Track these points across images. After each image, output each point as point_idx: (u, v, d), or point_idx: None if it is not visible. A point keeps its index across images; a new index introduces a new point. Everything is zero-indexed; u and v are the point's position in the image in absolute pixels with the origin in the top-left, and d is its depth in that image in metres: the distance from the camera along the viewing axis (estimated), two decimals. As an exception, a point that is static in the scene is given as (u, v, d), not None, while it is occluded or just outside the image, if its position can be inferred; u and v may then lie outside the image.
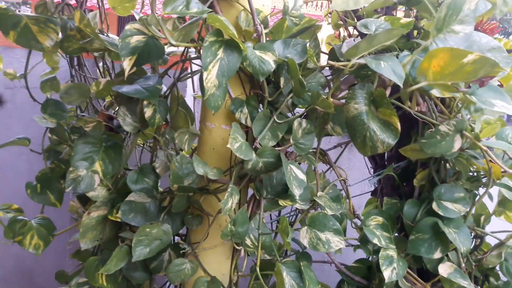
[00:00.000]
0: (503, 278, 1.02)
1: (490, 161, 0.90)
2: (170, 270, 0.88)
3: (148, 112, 0.87)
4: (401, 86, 0.75)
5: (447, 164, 0.99)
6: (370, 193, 1.20)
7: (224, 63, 0.78)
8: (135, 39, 0.85)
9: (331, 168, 1.04)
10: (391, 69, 0.76)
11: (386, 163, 1.14)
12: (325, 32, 1.29)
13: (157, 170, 0.92)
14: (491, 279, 1.04)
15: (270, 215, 1.17)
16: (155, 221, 0.89)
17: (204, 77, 0.75)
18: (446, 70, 0.71)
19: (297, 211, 1.06)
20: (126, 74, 0.84)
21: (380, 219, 0.94)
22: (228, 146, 0.77)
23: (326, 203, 0.90)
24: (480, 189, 1.01)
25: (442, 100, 0.97)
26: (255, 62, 0.82)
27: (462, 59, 0.69)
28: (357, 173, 1.46)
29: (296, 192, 0.80)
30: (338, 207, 0.95)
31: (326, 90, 0.95)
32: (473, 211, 1.07)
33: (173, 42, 0.80)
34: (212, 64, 0.76)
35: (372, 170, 1.22)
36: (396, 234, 1.04)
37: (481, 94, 0.79)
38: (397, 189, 1.09)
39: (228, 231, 0.81)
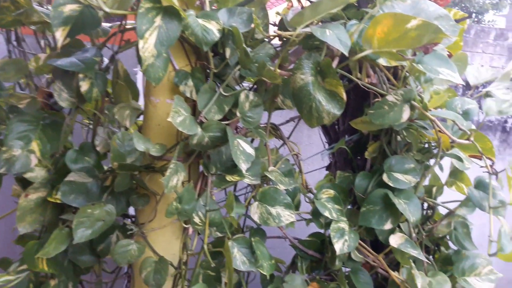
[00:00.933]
0: (454, 247, 1.04)
1: (439, 131, 0.90)
2: (115, 252, 0.85)
3: (84, 86, 0.81)
4: (346, 54, 0.73)
5: (398, 136, 0.99)
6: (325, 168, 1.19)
7: (162, 31, 0.73)
8: (69, 8, 0.79)
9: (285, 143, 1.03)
10: (337, 37, 0.73)
11: (339, 136, 1.13)
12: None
13: (98, 148, 0.87)
14: (442, 248, 1.06)
15: (225, 192, 1.15)
16: (97, 202, 0.84)
17: (140, 46, 0.71)
18: (390, 37, 0.69)
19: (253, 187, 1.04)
20: (59, 45, 0.78)
21: (331, 192, 0.94)
22: (169, 119, 0.73)
23: (277, 177, 0.88)
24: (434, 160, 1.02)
25: (395, 73, 0.96)
26: (197, 31, 0.78)
27: (405, 24, 0.67)
28: (316, 149, 1.46)
29: (243, 166, 0.77)
30: (290, 182, 0.93)
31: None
32: (427, 182, 1.09)
33: (107, 9, 0.75)
34: (149, 32, 0.71)
35: (327, 145, 1.21)
36: (350, 207, 1.04)
37: (428, 62, 0.78)
38: (350, 163, 1.08)
39: (173, 208, 0.78)
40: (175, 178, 0.77)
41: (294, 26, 0.76)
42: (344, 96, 0.75)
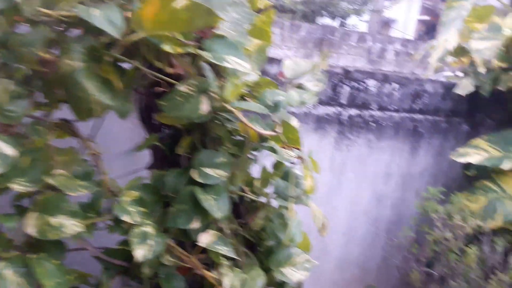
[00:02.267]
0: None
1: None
2: None
3: None
4: (118, 37, 0.64)
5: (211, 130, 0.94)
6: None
7: None
8: None
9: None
10: (106, 18, 0.64)
11: (157, 131, 1.05)
12: None
13: None
14: (264, 242, 1.05)
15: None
16: None
17: None
18: (160, 18, 0.62)
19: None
20: None
21: (136, 193, 0.85)
22: None
23: (62, 182, 0.76)
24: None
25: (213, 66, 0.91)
26: None
27: (172, 3, 0.61)
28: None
29: (-5, 171, 0.63)
30: (87, 186, 0.82)
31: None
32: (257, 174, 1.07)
33: None
34: None
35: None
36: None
37: (216, 50, 0.73)
38: (169, 160, 1.01)
39: None
40: None
41: (55, 3, 0.65)
42: (120, 84, 0.66)
